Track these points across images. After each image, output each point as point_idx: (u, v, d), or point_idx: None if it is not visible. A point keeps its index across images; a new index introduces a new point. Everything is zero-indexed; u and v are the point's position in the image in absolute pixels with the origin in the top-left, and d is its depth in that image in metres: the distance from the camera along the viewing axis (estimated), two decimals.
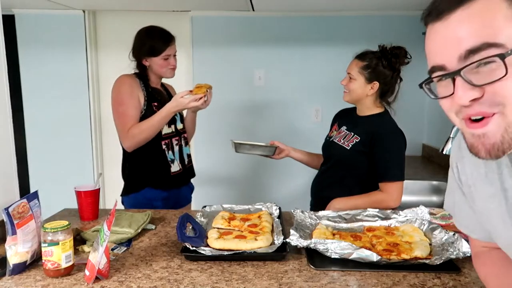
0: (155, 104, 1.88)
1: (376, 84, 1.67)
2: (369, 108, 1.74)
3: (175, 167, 1.96)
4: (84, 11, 3.11)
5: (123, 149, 1.94)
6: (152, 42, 1.84)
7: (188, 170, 2.06)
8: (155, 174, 1.91)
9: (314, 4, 2.81)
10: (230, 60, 3.14)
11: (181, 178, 2.01)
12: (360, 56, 1.71)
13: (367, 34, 3.02)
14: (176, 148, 1.98)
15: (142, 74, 1.91)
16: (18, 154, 1.44)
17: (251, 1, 2.64)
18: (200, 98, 1.75)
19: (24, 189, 1.45)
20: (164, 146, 1.91)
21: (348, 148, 1.70)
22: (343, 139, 1.75)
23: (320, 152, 1.90)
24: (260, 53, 3.14)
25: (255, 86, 3.17)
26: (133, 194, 1.91)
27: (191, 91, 1.76)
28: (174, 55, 1.91)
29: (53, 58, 3.15)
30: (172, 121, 1.93)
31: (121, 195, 1.96)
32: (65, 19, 3.11)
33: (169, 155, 1.93)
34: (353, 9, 2.98)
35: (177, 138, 1.98)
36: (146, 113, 1.84)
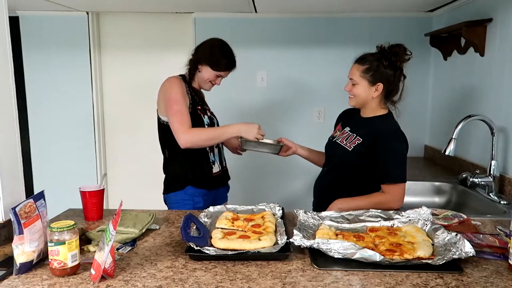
0: (199, 107, 1.98)
1: (380, 86, 1.67)
2: (373, 110, 1.74)
3: (216, 168, 2.04)
4: (87, 13, 3.13)
5: (166, 149, 2.01)
6: (220, 58, 1.95)
7: (226, 172, 2.15)
8: (198, 174, 1.98)
9: (317, 6, 2.82)
10: None
11: (221, 179, 2.10)
12: (360, 60, 1.70)
13: (369, 35, 3.02)
14: (216, 151, 2.06)
15: (188, 76, 2.00)
16: (22, 155, 1.44)
17: (253, 2, 2.65)
18: (263, 135, 1.89)
19: (28, 190, 1.46)
20: (207, 148, 1.99)
21: (350, 149, 1.70)
22: (345, 140, 1.75)
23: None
24: (262, 55, 3.15)
25: (257, 87, 3.18)
26: (175, 192, 1.98)
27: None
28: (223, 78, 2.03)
29: (56, 59, 3.17)
30: (211, 126, 2.02)
31: (163, 194, 2.04)
32: (68, 20, 3.13)
33: (211, 156, 2.02)
34: (355, 11, 2.99)
35: None
36: (191, 116, 1.91)
